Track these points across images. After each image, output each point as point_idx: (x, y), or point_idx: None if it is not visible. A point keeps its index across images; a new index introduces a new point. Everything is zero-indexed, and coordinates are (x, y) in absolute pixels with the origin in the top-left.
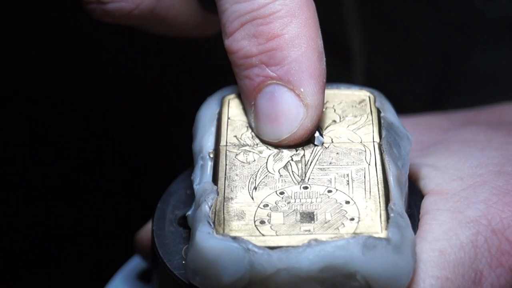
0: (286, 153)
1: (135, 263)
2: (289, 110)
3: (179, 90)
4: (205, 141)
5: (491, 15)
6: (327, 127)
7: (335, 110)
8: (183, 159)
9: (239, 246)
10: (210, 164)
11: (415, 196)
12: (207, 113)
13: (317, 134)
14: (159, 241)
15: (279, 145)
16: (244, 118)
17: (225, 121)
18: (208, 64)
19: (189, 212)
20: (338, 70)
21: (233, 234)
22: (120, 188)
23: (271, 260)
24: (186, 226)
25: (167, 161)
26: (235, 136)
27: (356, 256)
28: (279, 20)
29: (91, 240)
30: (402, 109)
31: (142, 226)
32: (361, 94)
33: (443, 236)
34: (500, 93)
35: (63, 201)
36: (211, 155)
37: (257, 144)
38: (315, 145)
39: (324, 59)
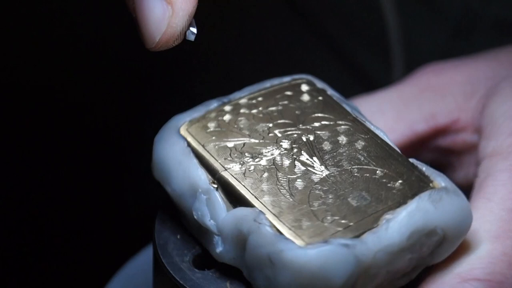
0: (281, 153)
1: (131, 266)
2: (155, 11)
3: (178, 91)
4: (194, 177)
5: (489, 17)
6: (298, 123)
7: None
8: None
9: (339, 246)
10: (217, 194)
11: None
12: (174, 149)
13: (187, 29)
14: None
15: (157, 50)
16: (217, 139)
17: (203, 149)
18: (208, 65)
19: (220, 249)
20: (337, 68)
21: (318, 238)
22: (119, 188)
23: (368, 247)
24: (206, 267)
25: None
26: (226, 159)
27: (432, 212)
28: None
29: (89, 241)
30: None
31: (141, 226)
32: (297, 82)
33: (509, 196)
34: None
35: (61, 201)
36: (215, 185)
37: (248, 157)
38: (189, 39)
39: None
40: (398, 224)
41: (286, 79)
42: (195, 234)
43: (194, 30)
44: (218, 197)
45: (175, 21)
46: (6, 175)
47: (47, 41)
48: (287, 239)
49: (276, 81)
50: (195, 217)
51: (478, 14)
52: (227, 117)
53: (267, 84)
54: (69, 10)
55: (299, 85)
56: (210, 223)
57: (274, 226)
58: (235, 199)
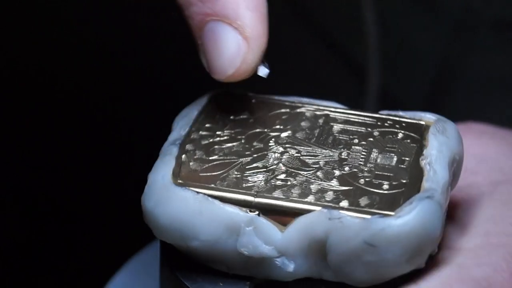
0: (282, 158)
1: (139, 259)
2: (230, 45)
3: (180, 90)
4: (228, 216)
5: (489, 17)
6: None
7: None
8: None
9: (425, 200)
10: (263, 219)
11: None
12: (187, 203)
13: (261, 65)
14: None
15: (228, 81)
16: (216, 175)
17: (216, 189)
18: None
19: (291, 266)
20: (351, 80)
21: (397, 205)
22: (119, 187)
23: (438, 192)
24: None
25: None
26: (245, 186)
27: (447, 142)
28: None
29: (90, 240)
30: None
31: (141, 225)
32: (218, 97)
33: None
34: (499, 94)
35: (62, 200)
36: (254, 212)
37: (261, 174)
38: (261, 75)
39: None
40: (438, 163)
41: (204, 100)
42: (242, 271)
43: (266, 66)
44: (266, 221)
45: (250, 57)
46: (7, 174)
47: (48, 39)
48: (378, 218)
49: (197, 106)
50: (246, 253)
51: (478, 14)
52: (199, 154)
53: (194, 111)
54: (70, 8)
55: (222, 99)
56: (267, 249)
57: (353, 216)
58: (287, 214)
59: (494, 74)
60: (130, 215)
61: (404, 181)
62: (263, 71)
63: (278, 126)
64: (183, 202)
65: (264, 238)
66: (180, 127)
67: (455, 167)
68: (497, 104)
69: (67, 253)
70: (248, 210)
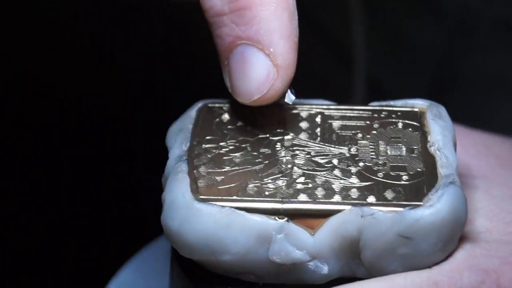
0: (294, 161)
1: (145, 255)
2: (259, 71)
3: (182, 90)
4: (259, 225)
5: (488, 17)
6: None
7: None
8: None
9: (450, 186)
10: (293, 224)
11: None
12: (214, 219)
13: (287, 91)
14: None
15: (251, 105)
16: (235, 186)
17: (240, 201)
18: (207, 63)
19: (325, 268)
20: (339, 71)
21: (423, 194)
22: (120, 187)
23: (455, 175)
24: None
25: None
26: (268, 194)
27: (446, 126)
28: None
29: (92, 239)
30: None
31: (141, 224)
32: (207, 108)
33: (447, 273)
34: (499, 94)
35: (61, 201)
36: (283, 218)
37: (279, 179)
38: (287, 101)
39: (296, 18)
40: (445, 147)
41: (192, 112)
42: (273, 279)
43: (293, 92)
44: (296, 226)
45: (278, 85)
46: (7, 174)
47: (48, 40)
48: (410, 210)
49: (189, 119)
50: (278, 260)
51: (478, 14)
52: (210, 167)
53: (187, 125)
54: (71, 9)
55: (210, 110)
56: (299, 254)
57: (385, 210)
58: (316, 216)
59: (494, 74)
60: (130, 215)
61: (420, 169)
62: (289, 98)
63: (278, 130)
64: (210, 217)
65: (296, 244)
66: (180, 142)
67: (454, 149)
68: (497, 104)
69: (67, 253)
70: (276, 217)
